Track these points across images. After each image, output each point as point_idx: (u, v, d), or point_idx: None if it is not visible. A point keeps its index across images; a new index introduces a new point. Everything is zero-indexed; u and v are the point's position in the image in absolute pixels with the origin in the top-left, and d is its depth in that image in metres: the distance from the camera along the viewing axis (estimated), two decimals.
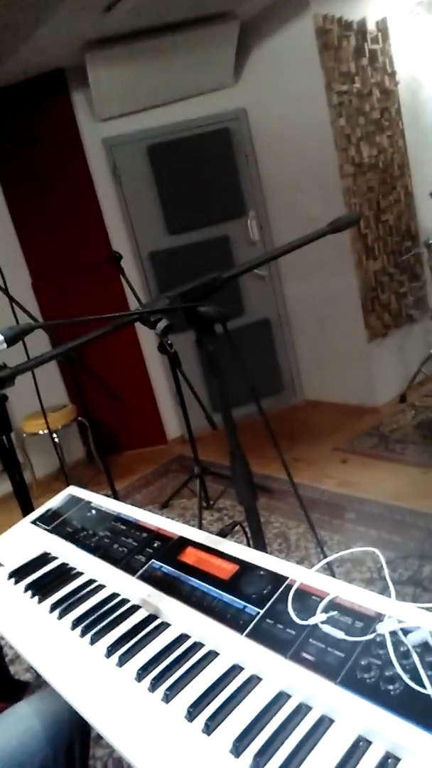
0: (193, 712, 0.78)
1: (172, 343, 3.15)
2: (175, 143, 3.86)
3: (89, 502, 1.42)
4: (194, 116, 3.87)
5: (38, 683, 2.03)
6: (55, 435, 3.89)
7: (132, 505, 1.31)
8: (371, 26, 3.58)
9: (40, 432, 3.88)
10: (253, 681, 0.81)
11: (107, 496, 2.80)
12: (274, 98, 3.80)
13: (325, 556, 2.04)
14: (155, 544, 1.15)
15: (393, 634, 0.76)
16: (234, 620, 0.90)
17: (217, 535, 1.13)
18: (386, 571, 1.21)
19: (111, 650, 0.94)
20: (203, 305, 0.97)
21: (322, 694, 0.74)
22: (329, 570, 1.94)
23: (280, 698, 0.77)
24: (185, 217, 3.97)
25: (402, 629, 0.76)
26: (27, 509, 1.90)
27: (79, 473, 4.23)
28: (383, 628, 0.77)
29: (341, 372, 4.14)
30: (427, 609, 0.79)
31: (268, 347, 4.33)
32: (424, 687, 0.69)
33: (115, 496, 2.83)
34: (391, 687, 0.71)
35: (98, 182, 3.87)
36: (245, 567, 0.99)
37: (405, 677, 0.71)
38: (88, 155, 3.82)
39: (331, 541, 2.68)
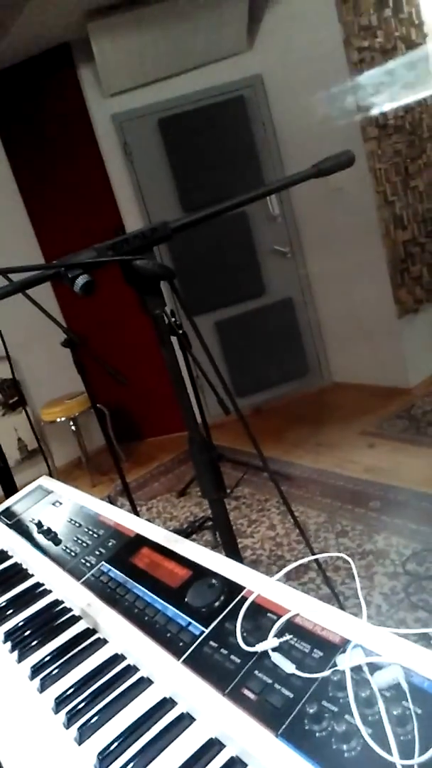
0: (103, 759, 0.62)
1: (181, 323, 2.98)
2: (187, 115, 3.65)
3: (55, 496, 1.28)
4: (206, 86, 3.65)
5: None
6: (72, 423, 3.81)
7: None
8: None
9: (58, 419, 3.82)
10: (184, 721, 0.65)
11: (127, 485, 2.69)
12: (290, 61, 3.54)
13: (314, 554, 1.85)
14: (109, 543, 1.00)
15: (356, 670, 0.58)
16: (173, 641, 0.73)
17: (178, 533, 0.96)
18: (358, 584, 1.01)
19: (35, 671, 0.79)
20: (140, 259, 0.80)
21: (259, 748, 0.56)
22: (322, 574, 1.74)
23: (211, 747, 0.60)
24: (200, 192, 3.76)
25: (369, 664, 0.58)
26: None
27: (101, 461, 4.14)
28: (344, 663, 0.59)
29: (370, 351, 3.88)
30: (407, 636, 0.60)
31: (292, 327, 4.10)
32: (388, 751, 0.51)
33: (125, 485, 2.70)
34: (345, 746, 0.53)
35: (109, 159, 3.71)
36: (198, 573, 0.83)
37: (365, 733, 0.53)
38: (98, 132, 3.67)
39: (352, 532, 2.48)
